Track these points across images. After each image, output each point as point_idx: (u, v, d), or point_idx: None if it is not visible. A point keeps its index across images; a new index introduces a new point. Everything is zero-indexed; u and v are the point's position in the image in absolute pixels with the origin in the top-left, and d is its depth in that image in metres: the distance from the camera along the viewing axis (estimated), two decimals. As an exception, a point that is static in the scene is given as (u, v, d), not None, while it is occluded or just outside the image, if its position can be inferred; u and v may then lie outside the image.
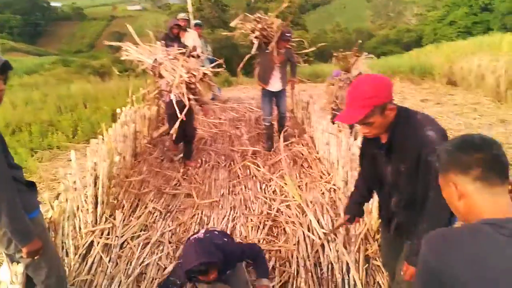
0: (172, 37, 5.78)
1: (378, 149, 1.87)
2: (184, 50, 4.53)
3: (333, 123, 4.58)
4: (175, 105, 4.04)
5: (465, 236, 1.01)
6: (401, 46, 34.70)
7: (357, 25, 50.36)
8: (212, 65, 4.75)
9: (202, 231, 2.63)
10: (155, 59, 4.30)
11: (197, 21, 7.70)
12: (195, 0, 40.88)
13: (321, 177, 4.37)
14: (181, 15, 6.81)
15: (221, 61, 5.09)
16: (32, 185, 2.19)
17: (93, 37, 77.62)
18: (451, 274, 0.96)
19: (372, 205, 3.09)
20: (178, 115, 4.04)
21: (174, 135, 4.39)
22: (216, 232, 2.66)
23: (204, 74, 4.25)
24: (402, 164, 1.78)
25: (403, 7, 58.30)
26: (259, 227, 3.53)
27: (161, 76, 4.32)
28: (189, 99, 4.10)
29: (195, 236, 2.55)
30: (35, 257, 2.04)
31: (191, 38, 6.58)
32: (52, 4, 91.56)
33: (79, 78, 19.00)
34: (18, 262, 2.13)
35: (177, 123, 4.12)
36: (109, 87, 12.00)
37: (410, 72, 12.61)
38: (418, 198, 1.77)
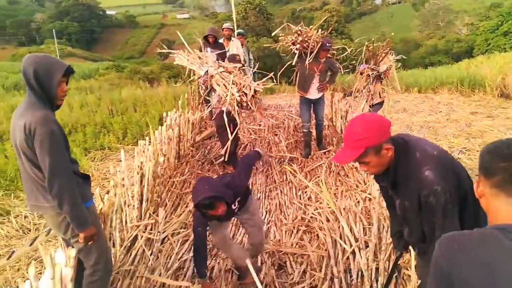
0: (211, 44, 6.19)
1: (385, 182, 1.86)
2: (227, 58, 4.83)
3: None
4: (225, 118, 4.22)
5: (475, 241, 1.05)
6: (451, 57, 33.42)
7: (403, 35, 49.13)
8: (263, 80, 4.77)
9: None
10: (206, 71, 4.42)
11: (240, 30, 7.94)
12: (241, 9, 41.73)
13: (357, 186, 4.39)
14: (226, 25, 7.10)
15: (271, 74, 5.09)
16: (87, 178, 2.44)
17: (144, 44, 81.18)
18: (461, 277, 1.01)
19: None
20: (228, 133, 4.25)
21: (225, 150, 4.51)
22: (228, 177, 2.80)
23: (255, 91, 4.27)
24: (406, 201, 1.78)
25: (453, 17, 56.12)
26: (292, 231, 3.62)
27: (213, 89, 4.48)
28: (239, 115, 4.28)
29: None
30: (90, 242, 2.28)
31: (234, 46, 6.85)
32: (108, 12, 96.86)
33: (130, 83, 19.96)
34: (72, 247, 2.37)
35: (228, 143, 4.34)
36: (157, 93, 12.56)
37: (460, 83, 12.16)
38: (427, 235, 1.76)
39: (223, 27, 7.13)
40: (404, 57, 6.26)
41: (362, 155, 1.64)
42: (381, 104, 6.17)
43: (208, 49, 6.21)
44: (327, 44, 4.86)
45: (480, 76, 12.13)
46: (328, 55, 5.07)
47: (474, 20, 47.32)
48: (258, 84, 4.30)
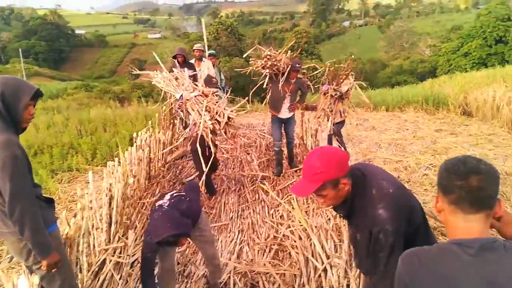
0: (180, 64, 6.24)
1: (341, 212, 1.87)
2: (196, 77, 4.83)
3: None
4: (198, 145, 4.09)
5: (435, 256, 1.10)
6: (416, 76, 34.90)
7: (371, 56, 50.99)
8: (236, 107, 4.42)
9: (167, 197, 2.68)
10: (181, 96, 4.27)
11: (211, 51, 8.00)
12: (213, 29, 42.21)
13: (328, 204, 4.44)
14: (197, 46, 7.16)
15: (244, 100, 5.36)
16: (50, 201, 2.36)
17: (114, 63, 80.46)
18: None
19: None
20: (202, 162, 4.07)
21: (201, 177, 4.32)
22: (181, 196, 2.72)
23: (229, 118, 4.10)
24: (358, 233, 1.80)
25: (417, 39, 58.86)
26: (265, 250, 3.60)
27: (188, 113, 4.35)
28: (213, 142, 4.09)
29: (160, 203, 2.60)
30: (53, 270, 2.18)
31: (206, 67, 6.90)
32: (77, 31, 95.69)
33: (99, 103, 19.62)
34: (35, 273, 2.27)
35: (206, 170, 4.19)
36: (128, 112, 12.38)
37: (425, 102, 12.67)
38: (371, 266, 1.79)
39: (193, 48, 7.18)
40: (363, 84, 6.52)
41: (319, 189, 1.64)
42: (342, 123, 6.37)
43: (175, 70, 6.25)
44: (297, 65, 4.99)
45: (444, 95, 12.71)
46: (298, 76, 5.19)
47: (436, 42, 49.82)
48: (232, 111, 4.12)
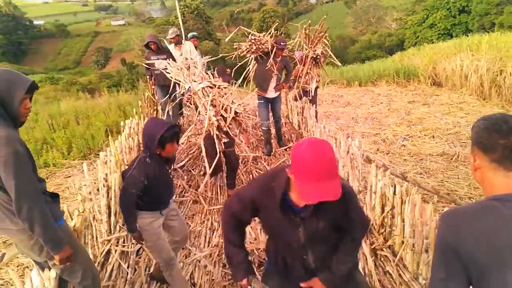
0: (155, 51, 6.06)
1: (293, 214, 1.71)
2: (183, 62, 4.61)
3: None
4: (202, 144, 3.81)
5: (477, 213, 1.13)
6: (384, 51, 35.52)
7: (339, 32, 51.35)
8: (241, 102, 3.85)
9: None
10: (189, 88, 3.93)
11: (193, 33, 7.89)
12: (179, 13, 41.28)
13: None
14: (171, 33, 6.80)
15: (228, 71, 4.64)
16: (56, 196, 2.32)
17: (78, 53, 77.53)
18: (465, 248, 1.08)
19: (375, 200, 3.29)
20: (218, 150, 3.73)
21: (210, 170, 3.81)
22: None
23: (236, 113, 3.70)
24: (322, 222, 1.72)
25: (383, 13, 59.67)
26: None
27: (196, 107, 3.96)
28: (219, 140, 3.74)
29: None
30: (67, 263, 2.17)
31: (187, 48, 6.74)
32: (35, 22, 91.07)
33: (67, 95, 18.97)
34: (49, 268, 2.25)
35: (208, 170, 3.77)
36: (99, 103, 12.04)
37: (396, 75, 12.96)
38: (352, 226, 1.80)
39: (167, 37, 6.95)
40: (335, 59, 6.67)
41: None
42: (317, 88, 6.52)
43: (153, 57, 6.10)
44: (282, 43, 5.01)
45: (413, 67, 13.02)
46: (283, 54, 5.22)
47: (402, 15, 50.58)
48: (239, 105, 3.71)
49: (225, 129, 3.58)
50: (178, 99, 6.14)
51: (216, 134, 3.62)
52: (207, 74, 3.97)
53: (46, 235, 2.02)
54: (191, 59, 4.90)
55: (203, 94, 3.68)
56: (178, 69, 4.09)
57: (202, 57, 7.38)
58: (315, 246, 1.80)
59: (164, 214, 2.74)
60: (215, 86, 3.75)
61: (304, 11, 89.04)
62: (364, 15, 61.41)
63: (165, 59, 5.83)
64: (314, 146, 1.46)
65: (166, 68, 5.78)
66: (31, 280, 2.13)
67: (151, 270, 3.15)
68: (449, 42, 17.39)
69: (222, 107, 3.62)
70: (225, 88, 3.76)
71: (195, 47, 7.17)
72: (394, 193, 3.01)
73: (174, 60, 5.89)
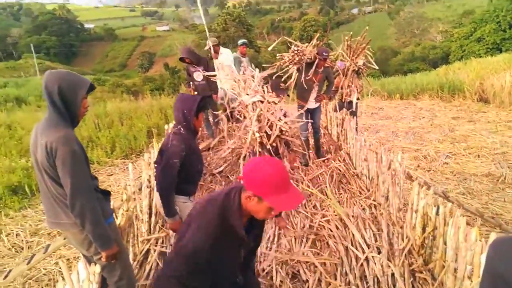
0: (191, 64, 6.05)
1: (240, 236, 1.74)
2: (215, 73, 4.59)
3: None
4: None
5: None
6: (428, 63, 34.50)
7: (381, 43, 50.42)
8: (289, 119, 3.65)
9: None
10: (240, 101, 3.77)
11: (243, 40, 7.66)
12: (221, 20, 42.08)
13: (360, 193, 4.48)
14: (209, 41, 6.86)
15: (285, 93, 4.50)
16: (107, 194, 2.44)
17: (124, 57, 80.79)
18: None
19: (416, 220, 3.21)
20: None
21: None
22: None
23: (281, 131, 3.49)
24: (253, 240, 1.89)
25: (428, 24, 58.01)
26: (302, 240, 3.67)
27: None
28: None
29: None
30: (112, 261, 2.27)
31: (225, 56, 6.78)
32: (86, 25, 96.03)
33: (113, 96, 19.77)
34: (94, 263, 2.36)
35: None
36: (142, 105, 12.46)
37: (440, 89, 12.55)
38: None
39: (208, 43, 7.05)
40: (376, 68, 6.56)
41: None
42: (357, 100, 6.44)
43: (191, 68, 6.09)
44: (324, 54, 5.00)
45: (459, 82, 12.55)
46: (326, 64, 5.21)
47: (448, 27, 49.01)
48: (286, 122, 3.47)
49: (268, 147, 3.40)
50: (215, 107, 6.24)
51: (259, 152, 3.50)
52: (262, 88, 3.81)
53: (95, 232, 2.13)
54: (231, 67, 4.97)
55: (253, 108, 3.56)
56: (235, 81, 3.94)
57: (251, 65, 7.39)
58: (245, 262, 1.90)
59: (192, 201, 2.81)
60: (266, 101, 3.58)
61: (346, 21, 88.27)
62: (407, 26, 59.98)
63: (202, 71, 5.97)
64: (271, 162, 1.61)
65: (204, 79, 5.94)
66: (78, 272, 2.24)
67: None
68: (498, 57, 16.69)
69: (268, 123, 3.45)
70: (275, 103, 3.58)
71: (244, 55, 7.15)
72: (437, 213, 2.92)
73: (213, 69, 6.02)
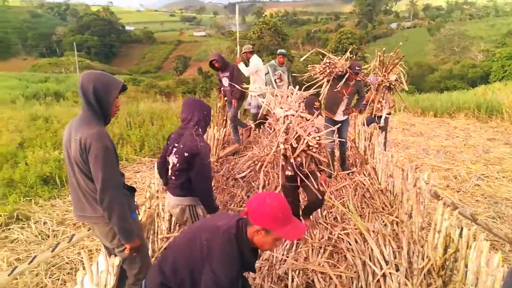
0: (219, 69, 6.20)
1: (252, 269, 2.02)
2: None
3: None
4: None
5: None
6: (466, 82, 33.44)
7: (418, 59, 49.35)
8: (320, 133, 3.34)
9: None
10: (273, 114, 3.63)
11: (282, 50, 7.61)
12: (257, 29, 42.48)
13: (383, 209, 4.40)
14: (246, 47, 7.11)
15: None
16: (132, 190, 2.53)
17: (160, 59, 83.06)
18: None
19: (438, 240, 3.12)
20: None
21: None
22: None
23: (308, 146, 3.24)
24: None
25: (469, 42, 56.32)
26: (319, 251, 3.64)
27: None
28: (283, 170, 3.51)
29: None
30: (134, 253, 2.35)
31: (253, 63, 6.87)
32: (127, 27, 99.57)
33: (146, 97, 20.33)
34: (115, 255, 2.45)
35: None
36: (173, 107, 12.75)
37: (477, 109, 12.14)
38: None
39: (243, 49, 7.19)
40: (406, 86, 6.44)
41: None
42: (389, 115, 6.33)
43: (220, 74, 6.27)
44: (357, 68, 4.98)
45: (498, 103, 12.10)
46: (358, 78, 5.18)
47: (490, 46, 47.42)
48: (314, 138, 3.22)
49: (291, 160, 3.24)
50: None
51: (282, 165, 3.41)
52: (298, 105, 3.62)
53: (121, 225, 2.23)
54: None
55: (283, 121, 3.39)
56: (274, 96, 3.79)
57: (289, 75, 7.33)
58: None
59: None
60: (298, 115, 3.42)
61: (383, 35, 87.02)
62: (447, 43, 58.41)
63: (228, 77, 6.11)
64: (274, 196, 1.81)
65: (229, 85, 6.05)
66: (97, 263, 2.33)
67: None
68: (541, 80, 16.01)
69: (295, 135, 3.25)
70: (307, 119, 3.41)
71: (282, 64, 7.17)
72: (460, 235, 2.83)
73: (238, 76, 6.10)
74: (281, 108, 3.47)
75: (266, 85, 6.20)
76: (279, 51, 7.44)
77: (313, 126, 3.34)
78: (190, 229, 2.05)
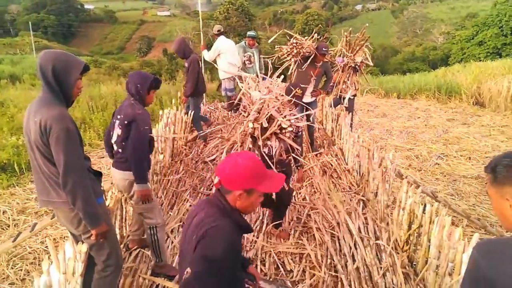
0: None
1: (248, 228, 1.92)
2: None
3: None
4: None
5: None
6: (428, 64, 34.50)
7: (382, 41, 50.32)
8: (295, 116, 3.14)
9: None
10: (248, 97, 3.28)
11: (251, 32, 7.40)
12: (223, 9, 41.70)
13: (350, 188, 4.52)
14: (215, 28, 6.97)
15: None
16: (99, 175, 2.45)
17: (123, 40, 79.93)
18: (504, 283, 1.05)
19: (403, 217, 3.25)
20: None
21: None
22: None
23: (281, 128, 2.98)
24: None
25: (430, 25, 57.98)
26: (289, 233, 3.70)
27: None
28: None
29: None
30: (101, 239, 2.29)
31: (214, 46, 6.78)
32: (86, 6, 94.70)
33: (109, 79, 19.63)
34: (82, 242, 2.38)
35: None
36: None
37: (437, 90, 12.58)
38: None
39: (213, 31, 7.03)
40: (372, 66, 6.57)
41: None
42: (354, 97, 6.44)
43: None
44: (323, 49, 5.00)
45: (457, 84, 12.58)
46: (325, 60, 5.21)
47: (450, 29, 48.97)
48: (289, 120, 2.98)
49: (259, 142, 2.99)
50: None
51: (249, 148, 3.18)
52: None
53: (86, 209, 2.15)
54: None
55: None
56: (254, 81, 3.48)
57: (259, 56, 7.17)
58: None
59: None
60: (274, 97, 3.17)
61: (349, 17, 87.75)
62: (410, 26, 59.93)
63: (185, 68, 5.74)
64: (244, 155, 1.73)
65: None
66: (64, 251, 2.26)
67: (176, 257, 3.25)
68: (498, 62, 16.72)
69: (267, 115, 2.99)
70: (283, 103, 3.18)
71: (252, 46, 7.11)
72: (424, 211, 2.96)
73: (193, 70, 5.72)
74: (259, 91, 3.25)
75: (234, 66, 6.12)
76: (248, 33, 7.34)
77: (290, 110, 3.21)
78: (182, 241, 1.84)
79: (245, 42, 7.15)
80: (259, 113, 3.04)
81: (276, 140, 3.07)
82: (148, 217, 2.93)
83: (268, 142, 3.09)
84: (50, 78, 2.09)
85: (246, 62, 6.99)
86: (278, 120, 2.95)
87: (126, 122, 2.76)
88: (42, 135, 2.07)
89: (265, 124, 2.98)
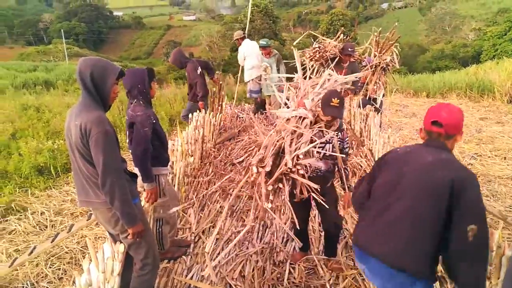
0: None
1: None
2: None
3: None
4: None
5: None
6: (458, 62, 33.47)
7: (410, 39, 49.21)
8: (317, 163, 2.66)
9: None
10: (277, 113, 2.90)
11: (263, 42, 6.92)
12: (247, 11, 41.94)
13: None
14: (237, 34, 7.02)
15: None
16: (134, 176, 2.54)
17: (151, 45, 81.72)
18: None
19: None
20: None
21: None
22: None
23: (297, 158, 2.35)
24: None
25: (460, 22, 56.13)
26: (320, 237, 3.68)
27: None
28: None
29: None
30: (137, 238, 2.37)
31: (243, 48, 6.82)
32: (115, 13, 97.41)
33: (137, 83, 20.06)
34: (120, 242, 2.47)
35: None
36: (165, 93, 12.64)
37: (468, 88, 12.20)
38: None
39: (234, 36, 7.13)
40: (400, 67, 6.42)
41: None
42: (383, 96, 6.34)
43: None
44: (349, 49, 4.96)
45: (489, 82, 12.15)
46: (351, 60, 5.16)
47: (481, 25, 47.32)
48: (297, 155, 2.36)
49: (269, 187, 2.40)
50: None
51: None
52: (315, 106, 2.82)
53: (123, 209, 2.25)
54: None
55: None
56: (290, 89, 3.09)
57: (279, 65, 6.98)
58: None
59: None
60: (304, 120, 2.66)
61: (375, 16, 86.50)
62: (439, 23, 58.21)
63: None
64: (447, 105, 1.91)
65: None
66: (103, 250, 2.35)
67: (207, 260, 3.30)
68: (533, 58, 16.07)
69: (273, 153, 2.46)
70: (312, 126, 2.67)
71: (268, 55, 6.93)
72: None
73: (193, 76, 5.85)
74: (288, 107, 2.80)
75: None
76: (260, 42, 6.87)
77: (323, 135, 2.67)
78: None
79: (262, 52, 6.89)
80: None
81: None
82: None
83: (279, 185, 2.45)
84: (88, 83, 2.20)
85: (263, 73, 6.71)
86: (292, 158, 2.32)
87: (128, 124, 2.96)
88: (82, 138, 2.17)
89: (268, 168, 2.38)
